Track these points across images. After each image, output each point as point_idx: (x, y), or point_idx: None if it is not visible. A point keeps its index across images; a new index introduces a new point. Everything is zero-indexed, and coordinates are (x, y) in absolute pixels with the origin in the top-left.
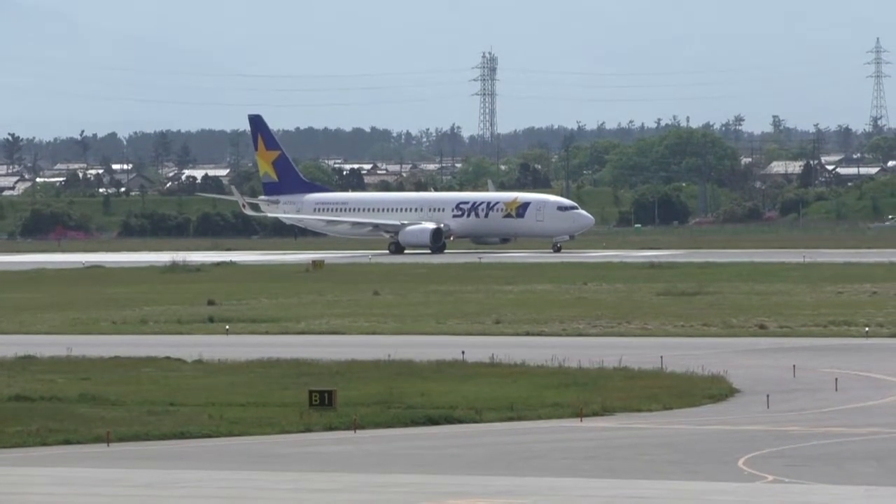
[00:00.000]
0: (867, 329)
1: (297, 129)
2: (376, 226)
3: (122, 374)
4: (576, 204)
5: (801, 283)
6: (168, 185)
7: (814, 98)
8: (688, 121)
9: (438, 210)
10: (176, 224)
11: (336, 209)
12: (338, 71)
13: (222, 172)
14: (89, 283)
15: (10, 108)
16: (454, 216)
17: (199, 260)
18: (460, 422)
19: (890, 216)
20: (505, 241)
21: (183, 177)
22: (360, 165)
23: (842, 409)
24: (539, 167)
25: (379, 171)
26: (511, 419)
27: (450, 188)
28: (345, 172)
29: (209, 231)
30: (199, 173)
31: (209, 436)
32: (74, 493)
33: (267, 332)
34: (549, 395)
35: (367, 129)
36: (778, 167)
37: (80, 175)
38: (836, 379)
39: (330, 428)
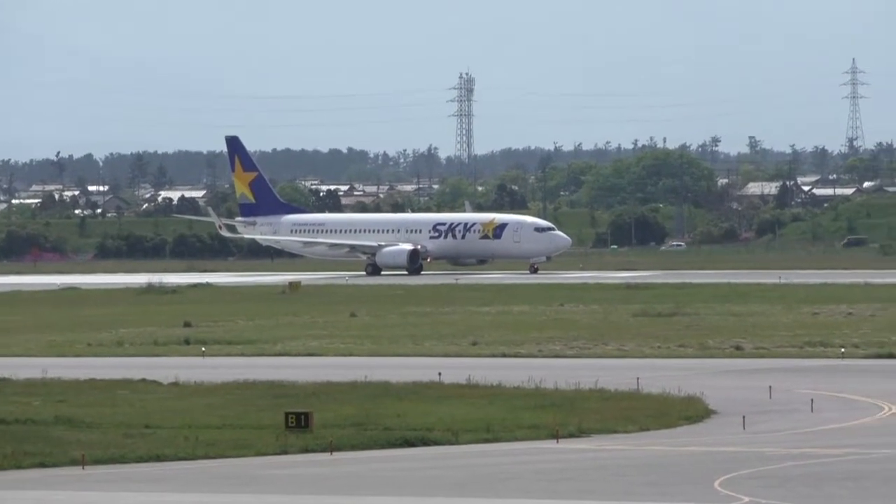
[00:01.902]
0: (843, 350)
1: (274, 150)
2: (353, 247)
3: (98, 397)
4: (553, 225)
5: (777, 304)
6: (144, 206)
7: (790, 119)
8: (664, 142)
9: (415, 231)
10: (152, 245)
11: (313, 230)
12: (314, 92)
13: (199, 194)
14: (65, 304)
15: None
16: (431, 237)
17: (175, 281)
18: (437, 443)
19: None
20: (482, 262)
21: (159, 198)
22: (337, 186)
23: (818, 430)
24: (516, 188)
25: (356, 193)
26: (487, 441)
27: (427, 209)
28: (321, 194)
29: (185, 252)
30: (175, 194)
31: (185, 458)
32: None
33: (243, 354)
34: (526, 417)
35: (344, 150)
36: (754, 188)
37: (56, 196)
38: (812, 400)
39: (306, 450)
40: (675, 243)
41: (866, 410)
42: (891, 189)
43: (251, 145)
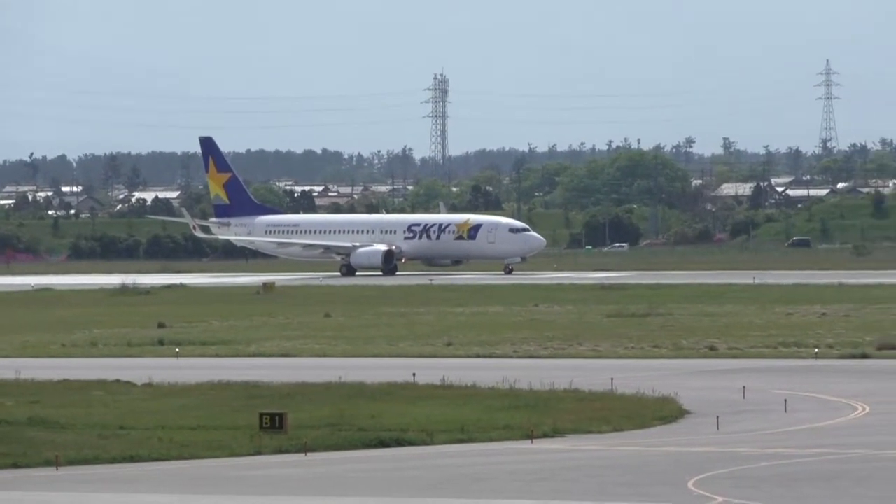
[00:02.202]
0: (817, 350)
1: (249, 151)
2: (328, 248)
3: (72, 397)
4: (527, 226)
5: (751, 304)
6: (118, 207)
7: (764, 120)
8: (639, 143)
9: (390, 232)
10: (126, 246)
11: (287, 231)
12: (289, 93)
13: (173, 194)
14: (39, 305)
15: None
16: (406, 238)
17: (149, 282)
18: (411, 444)
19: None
20: (457, 262)
21: (133, 199)
22: (312, 187)
23: (791, 430)
24: (490, 189)
25: (330, 193)
26: (462, 441)
27: (401, 210)
28: (296, 194)
29: (159, 253)
30: (149, 195)
31: (159, 459)
32: None
33: (217, 355)
34: (500, 417)
35: (319, 151)
36: (728, 189)
37: (30, 197)
38: (786, 400)
39: (280, 451)
40: (617, 245)
41: (840, 411)
42: (864, 190)
43: (225, 146)
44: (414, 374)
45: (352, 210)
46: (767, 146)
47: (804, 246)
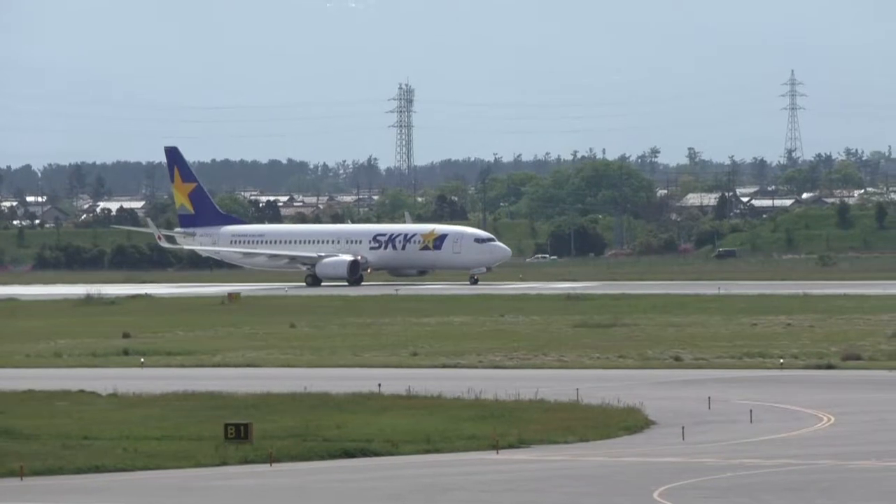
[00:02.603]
0: (782, 361)
1: (214, 160)
2: (293, 258)
3: (36, 408)
4: (493, 236)
5: (717, 314)
6: (83, 217)
7: (729, 130)
8: (604, 153)
9: (355, 242)
10: (91, 256)
11: (252, 241)
12: (254, 102)
13: (138, 204)
14: (3, 315)
15: None
16: (371, 248)
17: (114, 293)
18: (377, 454)
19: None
20: (422, 273)
21: (98, 209)
22: (277, 197)
23: (757, 440)
24: (456, 199)
25: (296, 203)
26: (427, 451)
27: (367, 220)
28: (261, 204)
29: (124, 263)
30: (114, 205)
31: (124, 469)
32: None
33: (182, 365)
34: (466, 428)
35: (284, 161)
36: (693, 199)
37: None
38: (751, 410)
39: (246, 461)
40: (540, 256)
41: (805, 421)
42: (829, 200)
43: (190, 156)
44: (379, 385)
45: (317, 220)
46: (732, 156)
47: (730, 256)
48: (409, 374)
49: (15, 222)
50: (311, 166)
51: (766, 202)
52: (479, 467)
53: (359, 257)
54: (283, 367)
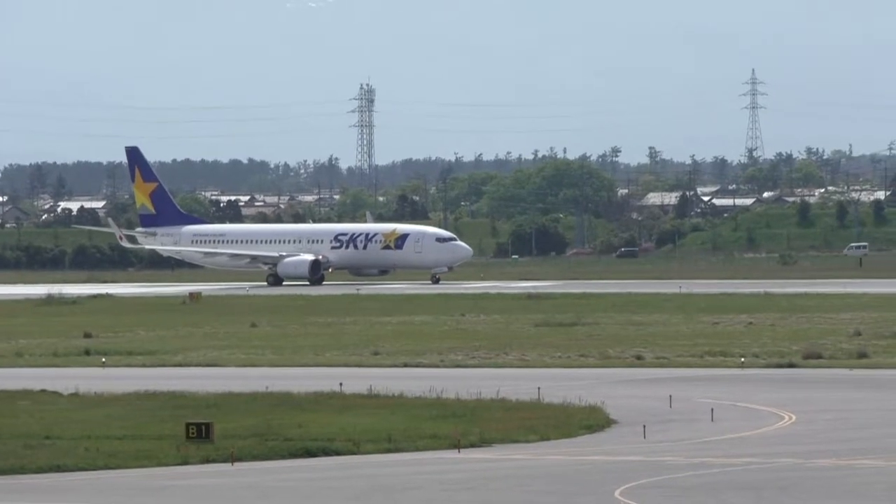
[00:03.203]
0: (743, 359)
1: (174, 160)
2: (254, 257)
3: None
4: (454, 235)
5: (678, 313)
6: (43, 217)
7: (689, 130)
8: (565, 152)
9: (317, 242)
10: (52, 256)
11: (214, 241)
12: (215, 102)
13: (98, 204)
14: None
15: None
16: (333, 248)
17: (75, 292)
18: (338, 453)
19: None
20: (384, 272)
21: (58, 209)
22: (238, 197)
23: (718, 439)
24: (417, 198)
25: (256, 203)
26: (389, 451)
27: (328, 220)
28: (222, 204)
29: (85, 263)
30: (74, 205)
31: (85, 469)
32: None
33: (143, 365)
34: (427, 427)
35: (245, 161)
36: (654, 198)
37: None
38: (713, 409)
39: (207, 460)
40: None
41: (766, 420)
42: (790, 199)
43: (151, 156)
44: (341, 384)
45: (278, 220)
46: (693, 155)
47: (631, 256)
48: (370, 374)
49: None
50: (272, 166)
51: (727, 201)
52: (441, 466)
53: (320, 257)
54: (244, 367)
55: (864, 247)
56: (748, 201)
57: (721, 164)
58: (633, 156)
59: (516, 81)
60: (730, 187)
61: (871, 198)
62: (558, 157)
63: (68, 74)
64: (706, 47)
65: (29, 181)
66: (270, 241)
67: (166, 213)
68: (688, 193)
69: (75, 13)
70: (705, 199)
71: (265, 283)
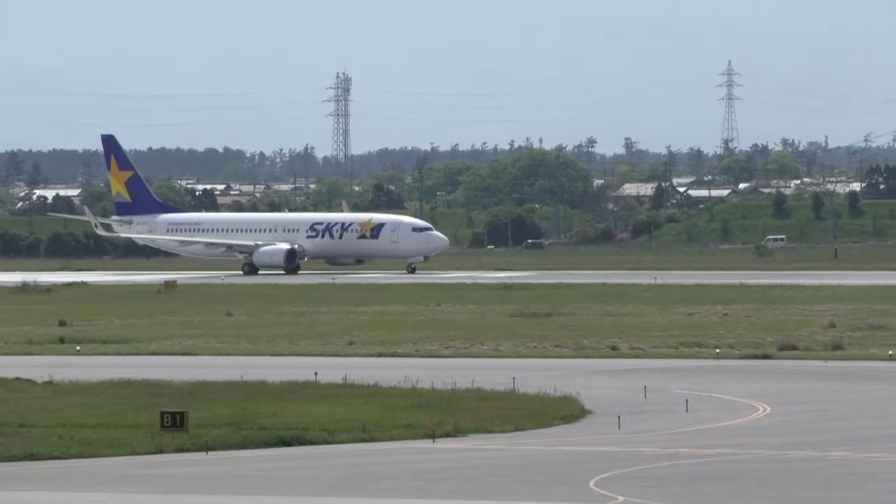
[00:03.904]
0: (718, 350)
1: (150, 149)
2: (230, 246)
3: None
4: (430, 225)
5: (653, 304)
6: (19, 204)
7: (666, 120)
8: (541, 142)
9: (293, 231)
10: (27, 244)
11: (189, 230)
12: (191, 91)
13: (74, 192)
14: None
15: None
16: (308, 237)
17: (50, 280)
18: (313, 443)
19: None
20: (359, 261)
21: (34, 197)
22: (213, 186)
23: (692, 430)
24: (393, 188)
25: (232, 192)
26: (364, 440)
27: (303, 209)
28: (198, 193)
29: (60, 251)
30: (50, 193)
31: (59, 457)
32: None
33: (118, 353)
34: (402, 416)
35: (221, 150)
36: (630, 189)
37: None
38: (687, 400)
39: (181, 449)
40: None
41: (741, 411)
42: (765, 190)
43: (127, 144)
44: (316, 373)
45: (254, 209)
46: (669, 146)
47: (537, 248)
48: (345, 363)
49: None
50: (248, 155)
51: (703, 192)
52: (415, 456)
53: (296, 246)
54: (219, 356)
55: (782, 239)
56: (724, 192)
57: (697, 156)
58: (610, 146)
59: (493, 72)
60: (706, 178)
61: (847, 190)
62: (534, 147)
63: (44, 62)
64: (683, 39)
65: (4, 169)
66: (246, 230)
67: (142, 201)
68: (663, 184)
69: (50, 2)
70: (681, 190)
71: (241, 272)
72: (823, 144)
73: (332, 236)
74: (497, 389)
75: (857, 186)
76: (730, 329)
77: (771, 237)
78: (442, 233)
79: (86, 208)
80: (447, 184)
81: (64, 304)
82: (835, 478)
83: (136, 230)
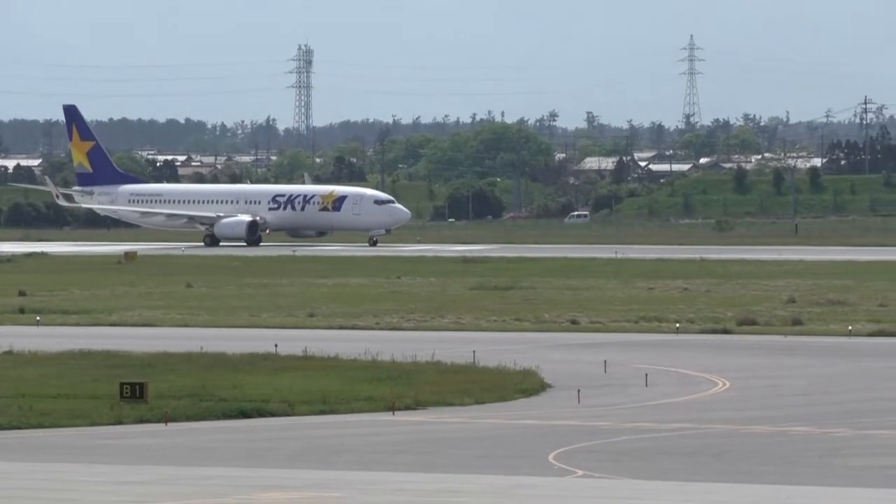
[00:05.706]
0: (678, 325)
1: (112, 119)
2: (191, 218)
3: None
4: (392, 198)
5: (613, 278)
6: None
7: (627, 95)
8: (502, 116)
9: (254, 203)
10: None
11: (151, 201)
12: (152, 61)
13: (35, 162)
14: None
15: None
16: (270, 209)
17: (10, 251)
18: (273, 415)
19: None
20: (321, 234)
21: None
22: (175, 157)
23: (652, 404)
24: (354, 161)
25: (193, 163)
26: (324, 412)
27: (265, 181)
28: (158, 164)
29: (21, 221)
30: (10, 163)
31: (19, 427)
32: None
33: (78, 324)
34: (362, 389)
35: (182, 121)
36: (591, 163)
37: None
38: (647, 374)
39: (141, 420)
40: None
41: (700, 385)
42: (727, 165)
43: (89, 114)
44: (276, 345)
45: (215, 180)
46: (630, 121)
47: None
48: (305, 335)
49: None
50: (209, 126)
51: (664, 167)
52: (375, 429)
53: (257, 218)
54: (179, 327)
55: (585, 215)
56: (685, 167)
57: (658, 130)
58: (571, 120)
59: (455, 45)
60: (667, 153)
61: (808, 165)
62: (496, 120)
63: (4, 32)
64: (644, 12)
65: None
66: (208, 202)
67: (103, 172)
68: (625, 159)
69: None
70: (642, 164)
71: (202, 244)
72: (784, 120)
73: (293, 208)
74: (457, 362)
75: (817, 162)
76: (690, 304)
77: (574, 213)
78: (403, 206)
79: (47, 178)
80: (409, 157)
81: (24, 274)
82: (794, 453)
83: (98, 201)
